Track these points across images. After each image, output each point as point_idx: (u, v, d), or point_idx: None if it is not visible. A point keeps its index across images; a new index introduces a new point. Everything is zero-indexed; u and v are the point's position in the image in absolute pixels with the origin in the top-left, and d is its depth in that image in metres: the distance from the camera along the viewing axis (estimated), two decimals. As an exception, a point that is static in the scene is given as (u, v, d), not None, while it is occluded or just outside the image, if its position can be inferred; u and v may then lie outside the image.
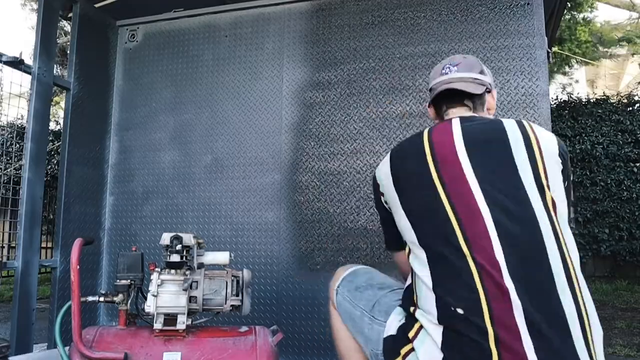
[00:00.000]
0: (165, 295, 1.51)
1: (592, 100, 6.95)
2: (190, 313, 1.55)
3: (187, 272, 1.57)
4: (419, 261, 1.11)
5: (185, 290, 1.52)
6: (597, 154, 6.53)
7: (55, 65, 2.55)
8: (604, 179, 6.50)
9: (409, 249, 1.19)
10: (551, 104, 6.61)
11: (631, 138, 6.49)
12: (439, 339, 1.00)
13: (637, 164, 6.41)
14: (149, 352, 1.45)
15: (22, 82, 2.44)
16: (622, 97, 6.92)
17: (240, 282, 1.62)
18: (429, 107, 1.46)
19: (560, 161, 1.13)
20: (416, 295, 1.11)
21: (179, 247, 1.54)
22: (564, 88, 9.26)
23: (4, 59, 2.27)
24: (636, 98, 6.85)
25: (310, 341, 2.42)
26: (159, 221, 2.78)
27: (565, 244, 1.04)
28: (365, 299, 1.31)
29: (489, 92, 1.36)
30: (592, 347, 0.96)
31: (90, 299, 1.56)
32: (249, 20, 2.81)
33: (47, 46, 2.42)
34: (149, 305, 1.50)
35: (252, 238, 2.61)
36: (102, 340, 1.47)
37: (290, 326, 2.44)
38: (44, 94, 2.41)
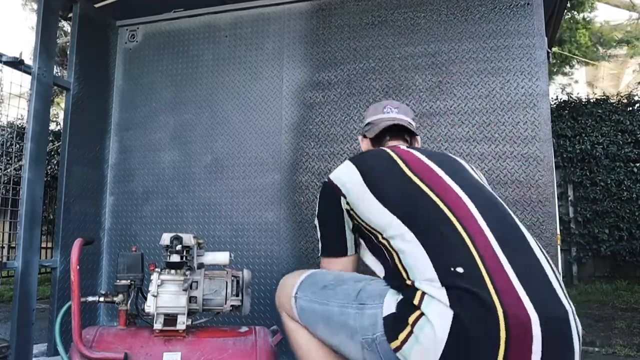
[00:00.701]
0: (165, 295, 1.51)
1: (592, 101, 6.95)
2: (190, 313, 1.55)
3: (187, 273, 1.57)
4: (402, 240, 1.16)
5: (185, 290, 1.52)
6: (597, 154, 6.53)
7: (55, 65, 2.55)
8: (604, 179, 6.50)
9: (380, 238, 1.24)
10: (551, 104, 6.62)
11: (631, 138, 6.49)
12: (444, 299, 1.03)
13: (637, 164, 6.41)
14: (149, 352, 1.45)
15: (22, 82, 2.45)
16: (622, 97, 6.92)
17: (240, 282, 1.62)
18: (363, 138, 1.66)
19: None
20: (406, 272, 1.14)
21: (179, 247, 1.54)
22: (563, 88, 9.26)
23: (4, 59, 2.27)
24: (636, 98, 6.85)
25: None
26: (159, 221, 2.78)
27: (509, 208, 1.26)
28: (343, 293, 1.25)
29: (414, 137, 1.63)
30: (564, 292, 1.09)
31: (90, 299, 1.56)
32: (249, 20, 2.81)
33: (47, 46, 2.42)
34: (149, 306, 1.50)
35: (252, 238, 2.61)
36: (102, 340, 1.47)
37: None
38: (44, 94, 2.41)
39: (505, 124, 2.32)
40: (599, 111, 6.70)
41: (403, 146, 1.46)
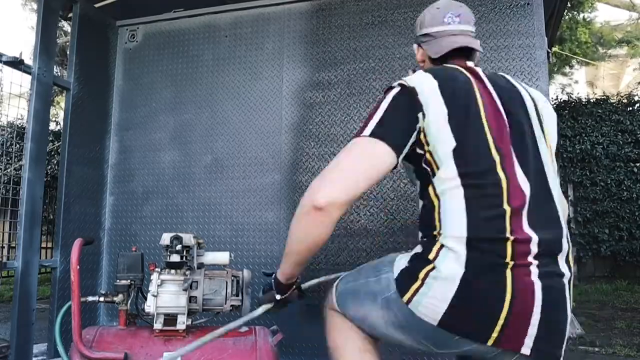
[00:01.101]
0: (165, 295, 1.52)
1: (592, 100, 6.95)
2: (190, 313, 1.55)
3: (187, 272, 1.57)
4: (449, 188, 1.13)
5: (185, 290, 1.52)
6: (597, 154, 6.53)
7: (55, 65, 2.55)
8: (604, 179, 6.50)
9: (432, 177, 1.18)
10: (551, 104, 6.61)
11: (631, 138, 6.49)
12: (462, 257, 1.06)
13: (637, 164, 6.41)
14: (149, 352, 1.45)
15: (22, 82, 2.44)
16: (622, 97, 6.92)
17: (240, 282, 1.62)
18: (419, 48, 1.49)
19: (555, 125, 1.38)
20: (440, 224, 1.13)
21: (179, 247, 1.54)
22: (563, 88, 9.26)
23: (4, 59, 2.27)
24: (636, 98, 6.85)
25: (310, 341, 2.41)
26: (159, 221, 2.77)
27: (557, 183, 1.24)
28: (367, 268, 1.37)
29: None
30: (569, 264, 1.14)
31: (90, 299, 1.57)
32: (249, 20, 2.81)
33: (47, 46, 2.42)
34: (149, 305, 1.50)
35: (252, 238, 2.60)
36: (102, 340, 1.47)
37: (290, 326, 2.43)
38: (44, 94, 2.41)
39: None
40: (599, 111, 6.70)
41: (478, 71, 1.29)
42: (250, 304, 1.64)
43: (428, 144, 1.17)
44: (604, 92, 7.28)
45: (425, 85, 1.20)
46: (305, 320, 2.44)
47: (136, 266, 1.60)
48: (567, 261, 1.14)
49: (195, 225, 2.69)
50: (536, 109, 1.27)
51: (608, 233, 6.45)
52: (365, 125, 1.18)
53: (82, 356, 1.41)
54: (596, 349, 3.51)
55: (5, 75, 2.42)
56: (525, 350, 1.05)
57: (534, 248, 1.07)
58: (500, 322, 1.04)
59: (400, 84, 1.23)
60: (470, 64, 1.34)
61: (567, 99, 7.18)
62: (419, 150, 1.20)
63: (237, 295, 1.60)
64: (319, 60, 2.65)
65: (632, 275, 6.39)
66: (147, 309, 1.50)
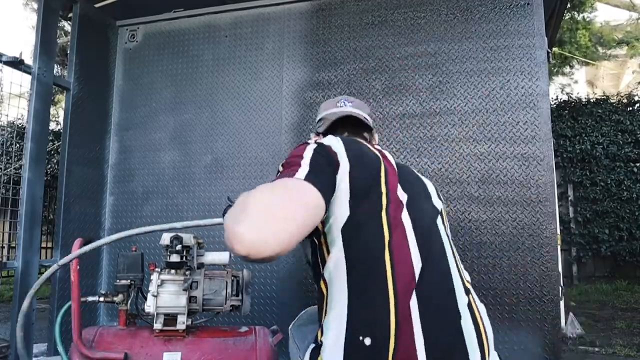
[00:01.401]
0: (165, 295, 1.51)
1: (592, 100, 6.95)
2: (190, 313, 1.55)
3: (187, 272, 1.57)
4: (337, 280, 1.05)
5: (185, 290, 1.52)
6: (597, 154, 6.53)
7: (55, 65, 2.55)
8: (604, 179, 6.50)
9: (324, 263, 1.10)
10: (551, 104, 6.62)
11: (631, 138, 6.49)
12: None
13: (637, 164, 6.41)
14: (149, 352, 1.45)
15: (22, 82, 2.45)
16: (622, 97, 6.92)
17: (240, 282, 1.62)
18: (316, 135, 1.49)
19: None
20: (324, 333, 1.05)
21: (179, 247, 1.54)
22: (563, 88, 9.26)
23: (4, 59, 2.27)
24: (636, 98, 6.85)
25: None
26: (159, 221, 2.77)
27: (459, 265, 1.16)
28: (303, 335, 1.38)
29: (373, 135, 1.52)
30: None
31: (90, 299, 1.56)
32: (249, 20, 2.81)
33: (47, 46, 2.42)
34: (149, 305, 1.50)
35: (252, 238, 2.60)
36: (102, 340, 1.47)
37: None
38: (44, 94, 2.41)
39: (505, 124, 2.32)
40: (599, 111, 6.70)
41: (377, 147, 1.30)
42: (250, 304, 1.64)
43: (329, 217, 1.13)
44: (603, 92, 7.28)
45: (336, 148, 1.14)
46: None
47: (136, 266, 1.60)
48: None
49: (195, 225, 2.69)
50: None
51: (608, 233, 6.45)
52: (291, 170, 1.02)
53: (82, 356, 1.41)
54: (596, 349, 3.51)
55: (5, 75, 2.43)
56: None
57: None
58: None
59: (315, 143, 1.16)
60: (355, 136, 1.37)
61: (567, 99, 7.18)
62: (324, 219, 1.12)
63: (237, 295, 1.60)
64: (319, 60, 2.65)
65: (632, 275, 6.39)
66: (147, 309, 1.50)
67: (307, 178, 0.98)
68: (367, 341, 0.97)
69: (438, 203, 1.27)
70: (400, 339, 0.97)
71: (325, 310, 1.07)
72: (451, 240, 1.22)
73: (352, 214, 1.05)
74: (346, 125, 1.43)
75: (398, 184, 1.16)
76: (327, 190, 1.01)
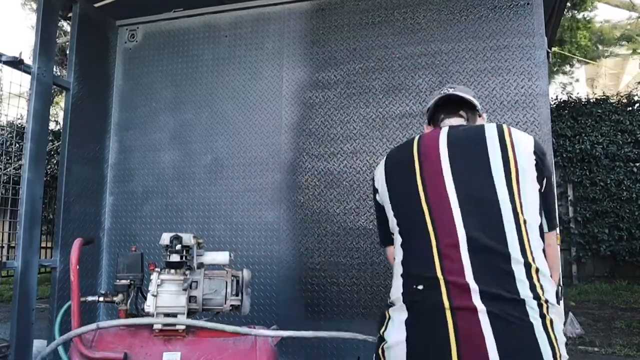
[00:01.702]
0: (165, 295, 1.52)
1: (591, 100, 6.95)
2: (190, 313, 1.55)
3: (187, 272, 1.57)
4: (397, 248, 1.24)
5: (185, 290, 1.52)
6: (597, 154, 6.53)
7: (55, 65, 2.55)
8: (603, 179, 6.51)
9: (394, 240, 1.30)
10: (551, 104, 6.62)
11: (631, 138, 6.49)
12: (403, 317, 1.10)
13: (637, 164, 6.41)
14: (148, 352, 1.45)
15: (22, 82, 2.45)
16: (622, 97, 6.92)
17: (240, 282, 1.62)
18: (427, 125, 1.55)
19: (534, 157, 1.22)
20: (391, 293, 1.21)
21: (178, 247, 1.54)
22: (564, 87, 9.27)
23: (4, 59, 2.27)
24: (636, 98, 6.85)
25: (310, 341, 2.42)
26: (159, 221, 2.77)
27: (526, 226, 1.13)
28: None
29: (480, 115, 1.48)
30: (549, 326, 1.03)
31: (90, 299, 1.57)
32: (249, 20, 2.81)
33: (47, 46, 2.42)
34: (149, 305, 1.50)
35: (252, 238, 2.60)
36: (102, 340, 1.47)
37: (290, 326, 2.43)
38: (44, 94, 2.41)
39: (505, 123, 2.31)
40: (599, 111, 6.71)
41: (446, 127, 1.34)
42: (250, 304, 1.64)
43: (387, 215, 1.33)
44: (603, 92, 7.28)
45: (378, 167, 1.40)
46: (305, 320, 2.44)
47: (136, 266, 1.60)
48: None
49: (195, 225, 2.69)
50: (502, 143, 1.23)
51: (608, 233, 6.45)
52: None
53: (82, 356, 1.41)
54: (596, 349, 3.51)
55: (5, 75, 2.43)
56: None
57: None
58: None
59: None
60: (454, 121, 1.41)
61: (567, 99, 7.18)
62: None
63: (237, 295, 1.60)
64: (319, 60, 2.65)
65: (632, 275, 6.39)
66: (146, 309, 1.50)
67: (381, 243, 1.48)
68: (420, 287, 1.11)
69: (497, 169, 1.21)
70: (449, 280, 1.07)
71: (392, 285, 1.22)
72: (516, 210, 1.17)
73: (394, 205, 1.28)
74: (445, 107, 1.45)
75: (441, 151, 1.25)
76: (386, 230, 1.36)
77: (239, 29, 2.82)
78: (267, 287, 2.54)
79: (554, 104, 7.06)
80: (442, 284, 1.07)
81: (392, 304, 1.17)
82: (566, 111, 6.93)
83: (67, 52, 2.79)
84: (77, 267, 1.47)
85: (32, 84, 2.36)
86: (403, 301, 1.12)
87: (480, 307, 1.02)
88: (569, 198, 6.77)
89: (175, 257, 1.54)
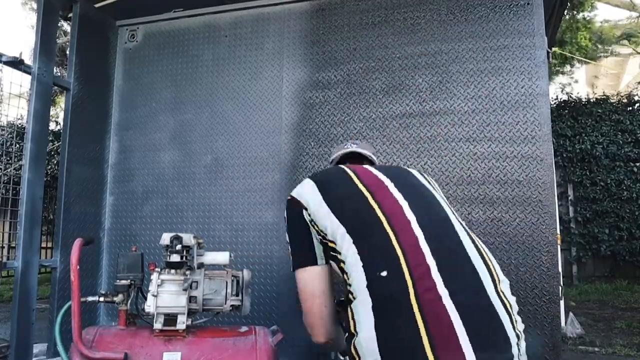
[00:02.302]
0: (165, 295, 1.52)
1: (592, 100, 6.96)
2: (190, 313, 1.55)
3: (187, 272, 1.57)
4: (350, 251, 1.21)
5: (185, 290, 1.52)
6: (597, 153, 6.53)
7: (55, 65, 2.55)
8: (603, 178, 6.51)
9: (336, 251, 1.26)
10: (551, 104, 6.62)
11: (631, 138, 6.49)
12: (369, 306, 1.10)
13: (637, 164, 6.41)
14: (149, 352, 1.45)
15: (22, 82, 2.45)
16: (622, 97, 6.93)
17: (240, 282, 1.62)
18: None
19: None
20: (349, 284, 1.20)
21: (178, 247, 1.54)
22: (563, 88, 9.26)
23: (4, 59, 2.27)
24: (636, 98, 6.86)
25: (310, 341, 2.41)
26: (159, 221, 2.78)
27: (459, 221, 1.27)
28: None
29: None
30: (503, 295, 1.11)
31: (90, 299, 1.56)
32: (249, 20, 2.81)
33: (47, 46, 2.42)
34: (149, 305, 1.50)
35: (252, 238, 2.61)
36: (102, 340, 1.47)
37: (290, 326, 2.43)
38: (44, 94, 2.41)
39: (505, 124, 2.32)
40: (599, 111, 6.71)
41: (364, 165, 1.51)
42: (250, 304, 1.64)
43: (319, 227, 1.30)
44: (603, 92, 7.28)
45: (302, 187, 1.41)
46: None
47: (136, 266, 1.60)
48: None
49: (195, 225, 2.69)
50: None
51: (608, 233, 6.45)
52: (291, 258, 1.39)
53: (82, 356, 1.41)
54: (596, 349, 3.51)
55: (5, 75, 2.43)
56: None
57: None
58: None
59: (287, 199, 1.43)
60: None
61: (567, 99, 7.18)
62: (319, 234, 1.32)
63: (237, 295, 1.60)
64: (319, 60, 2.65)
65: (632, 275, 6.39)
66: (147, 309, 1.50)
67: (296, 265, 1.36)
68: (384, 273, 1.12)
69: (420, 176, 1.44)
70: (411, 264, 1.10)
71: (347, 279, 1.22)
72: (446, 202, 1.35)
73: (339, 217, 1.26)
74: (351, 158, 1.64)
75: (370, 168, 1.39)
76: (314, 252, 1.33)
77: (239, 29, 2.82)
78: (267, 287, 2.54)
79: (554, 103, 7.06)
80: (406, 270, 1.09)
81: (354, 298, 1.17)
82: (566, 111, 6.93)
83: (67, 52, 2.79)
84: (78, 267, 1.47)
85: (32, 84, 2.36)
86: (367, 288, 1.13)
87: (444, 293, 1.05)
88: (569, 198, 6.77)
89: (175, 257, 1.54)
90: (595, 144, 6.57)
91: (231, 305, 1.58)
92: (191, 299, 1.54)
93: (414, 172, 1.44)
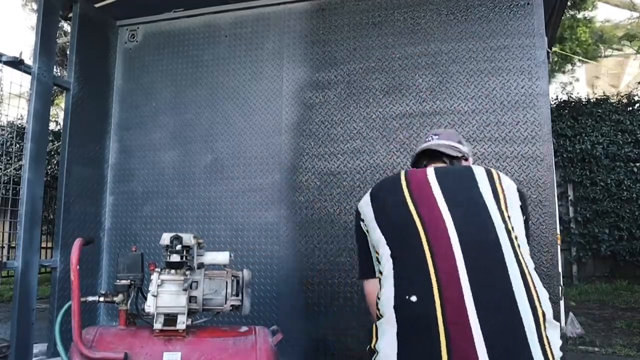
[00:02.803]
0: (165, 295, 1.52)
1: (592, 100, 6.95)
2: (190, 313, 1.55)
3: (187, 272, 1.57)
4: (387, 265, 1.20)
5: (185, 290, 1.52)
6: (597, 154, 6.52)
7: (55, 65, 2.55)
8: (604, 179, 6.50)
9: (379, 261, 1.27)
10: (551, 104, 6.61)
11: (631, 138, 6.49)
12: (394, 329, 1.09)
13: (637, 164, 6.41)
14: (149, 352, 1.45)
15: (22, 82, 2.45)
16: (622, 97, 6.92)
17: (240, 282, 1.62)
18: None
19: (518, 196, 1.31)
20: (378, 297, 1.20)
21: (179, 247, 1.54)
22: (564, 87, 9.26)
23: (4, 59, 2.27)
24: (636, 98, 6.85)
25: (310, 341, 2.42)
26: (159, 221, 2.77)
27: (519, 246, 1.17)
28: None
29: (466, 159, 1.53)
30: (543, 331, 1.05)
31: (90, 299, 1.57)
32: (249, 20, 2.81)
33: (47, 46, 2.42)
34: (149, 305, 1.50)
35: (252, 238, 2.60)
36: (102, 340, 1.47)
37: (290, 326, 2.43)
38: (44, 94, 2.41)
39: (505, 124, 2.32)
40: (599, 111, 6.70)
41: (431, 167, 1.42)
42: (250, 304, 1.64)
43: (371, 238, 1.32)
44: (604, 92, 7.27)
45: (363, 198, 1.40)
46: (305, 320, 2.44)
47: (136, 266, 1.60)
48: None
49: (195, 225, 2.69)
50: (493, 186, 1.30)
51: (608, 233, 6.44)
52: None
53: (82, 356, 1.41)
54: (596, 349, 3.51)
55: (5, 75, 2.43)
56: None
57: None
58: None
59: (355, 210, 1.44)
60: (437, 164, 1.45)
61: (567, 99, 7.17)
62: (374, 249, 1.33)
63: (237, 295, 1.60)
64: (319, 60, 2.65)
65: (632, 275, 6.38)
66: (147, 309, 1.50)
67: (360, 275, 1.41)
68: (413, 298, 1.09)
69: (485, 190, 1.29)
70: (445, 294, 1.06)
71: (379, 295, 1.21)
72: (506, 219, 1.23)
73: (383, 231, 1.26)
74: (428, 156, 1.53)
75: (429, 177, 1.31)
76: (370, 261, 1.35)
77: (239, 29, 2.82)
78: (267, 287, 2.54)
79: (554, 103, 7.05)
80: (437, 296, 1.06)
81: (381, 316, 1.16)
82: (566, 111, 6.92)
83: (67, 52, 2.79)
84: (78, 267, 1.47)
85: (32, 84, 2.36)
86: (394, 310, 1.11)
87: (474, 322, 1.01)
88: (569, 198, 6.76)
89: (175, 257, 1.54)
90: (595, 144, 6.56)
91: (231, 305, 1.58)
92: (191, 299, 1.55)
93: (480, 175, 1.30)
